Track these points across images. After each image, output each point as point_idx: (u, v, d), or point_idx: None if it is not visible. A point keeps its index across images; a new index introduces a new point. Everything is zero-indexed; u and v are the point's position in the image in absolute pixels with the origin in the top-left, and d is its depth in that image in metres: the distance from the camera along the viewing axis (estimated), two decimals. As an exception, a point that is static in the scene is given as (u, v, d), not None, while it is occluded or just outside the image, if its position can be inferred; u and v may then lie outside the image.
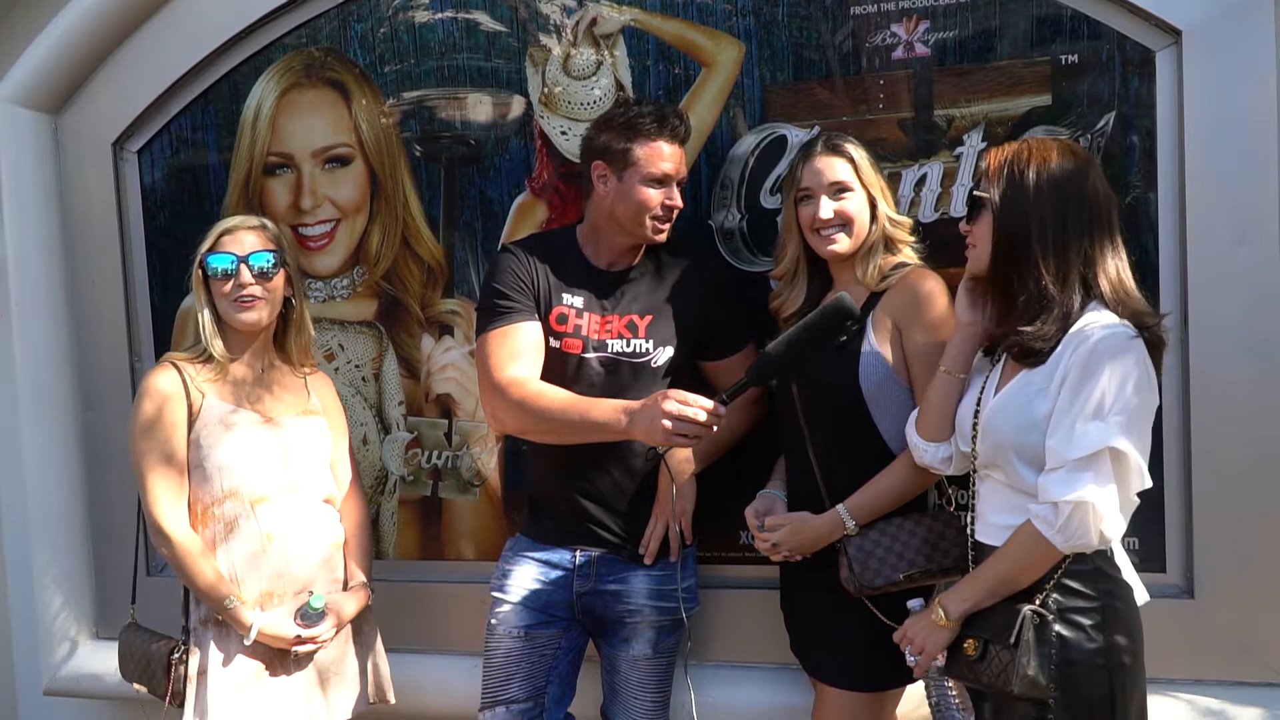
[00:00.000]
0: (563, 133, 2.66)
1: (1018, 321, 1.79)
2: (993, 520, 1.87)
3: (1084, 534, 1.71)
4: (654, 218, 2.25)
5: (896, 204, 2.32)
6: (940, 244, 2.30)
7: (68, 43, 2.93)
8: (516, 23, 2.68)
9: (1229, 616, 2.31)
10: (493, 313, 2.29)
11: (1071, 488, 1.69)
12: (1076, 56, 2.34)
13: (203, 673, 2.25)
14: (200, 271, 2.29)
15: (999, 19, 2.38)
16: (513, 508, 2.76)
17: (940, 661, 1.89)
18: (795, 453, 2.23)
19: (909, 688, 2.24)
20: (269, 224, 2.38)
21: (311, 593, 2.28)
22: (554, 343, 2.30)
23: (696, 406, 1.99)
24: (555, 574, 2.34)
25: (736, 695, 2.57)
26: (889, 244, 2.20)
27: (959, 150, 2.41)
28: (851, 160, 2.17)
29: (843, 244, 2.17)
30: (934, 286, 2.12)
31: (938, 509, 2.19)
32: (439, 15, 2.74)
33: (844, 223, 2.16)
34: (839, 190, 2.16)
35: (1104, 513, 1.70)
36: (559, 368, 2.30)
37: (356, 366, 2.86)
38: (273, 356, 2.39)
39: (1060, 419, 1.73)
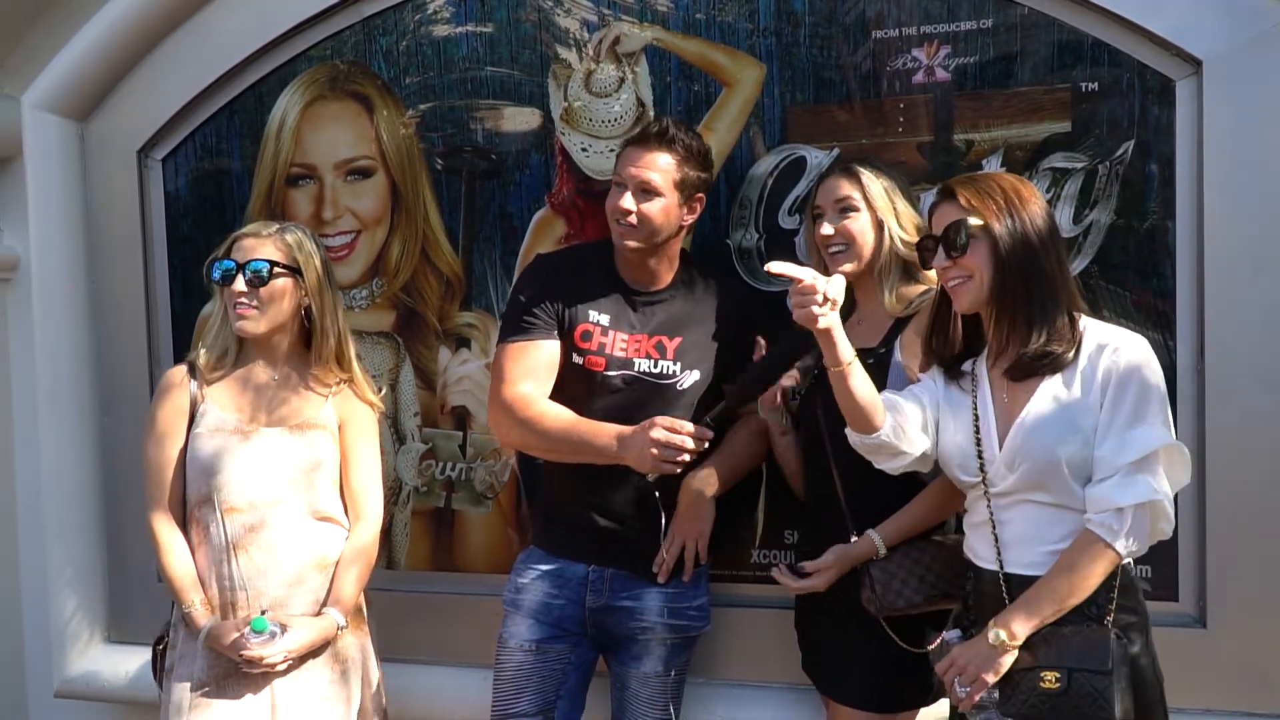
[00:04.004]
0: (583, 149, 2.68)
1: (1039, 337, 1.81)
2: (1031, 549, 1.84)
3: (1145, 537, 1.75)
4: (615, 220, 2.26)
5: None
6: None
7: (95, 51, 2.96)
8: (539, 38, 2.70)
9: (1241, 647, 2.30)
10: (514, 325, 2.32)
11: (1133, 491, 1.73)
12: (1097, 84, 2.35)
13: (171, 669, 2.28)
14: (208, 276, 2.30)
15: (1019, 45, 2.39)
16: (526, 520, 2.77)
17: (992, 696, 1.82)
18: (817, 471, 2.22)
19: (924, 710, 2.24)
20: (294, 231, 2.31)
21: (265, 611, 2.21)
22: (576, 359, 2.31)
23: (684, 434, 2.05)
24: (568, 588, 2.34)
25: (745, 714, 2.57)
26: (909, 270, 2.19)
27: (978, 175, 2.42)
28: (859, 182, 2.18)
29: (846, 264, 2.18)
30: None
31: (958, 531, 2.18)
32: (462, 29, 2.76)
33: (846, 241, 2.18)
34: (844, 209, 2.18)
35: (1161, 512, 1.75)
36: (581, 384, 2.30)
37: (373, 377, 2.87)
38: (294, 366, 2.34)
39: (1106, 428, 1.77)
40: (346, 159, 2.86)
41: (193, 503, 2.29)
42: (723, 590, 2.57)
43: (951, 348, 1.97)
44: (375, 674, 2.41)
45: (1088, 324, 1.85)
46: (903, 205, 2.20)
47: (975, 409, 1.91)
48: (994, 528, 1.89)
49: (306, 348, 2.36)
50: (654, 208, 2.23)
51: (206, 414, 2.28)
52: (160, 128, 2.98)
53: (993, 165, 2.40)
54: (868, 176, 2.18)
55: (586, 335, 2.31)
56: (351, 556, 2.33)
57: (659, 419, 2.09)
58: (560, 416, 2.24)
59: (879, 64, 2.47)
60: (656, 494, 2.25)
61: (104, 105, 3.03)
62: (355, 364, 2.40)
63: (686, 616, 2.35)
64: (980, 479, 1.89)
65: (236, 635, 2.17)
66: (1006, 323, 1.85)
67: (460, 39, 2.76)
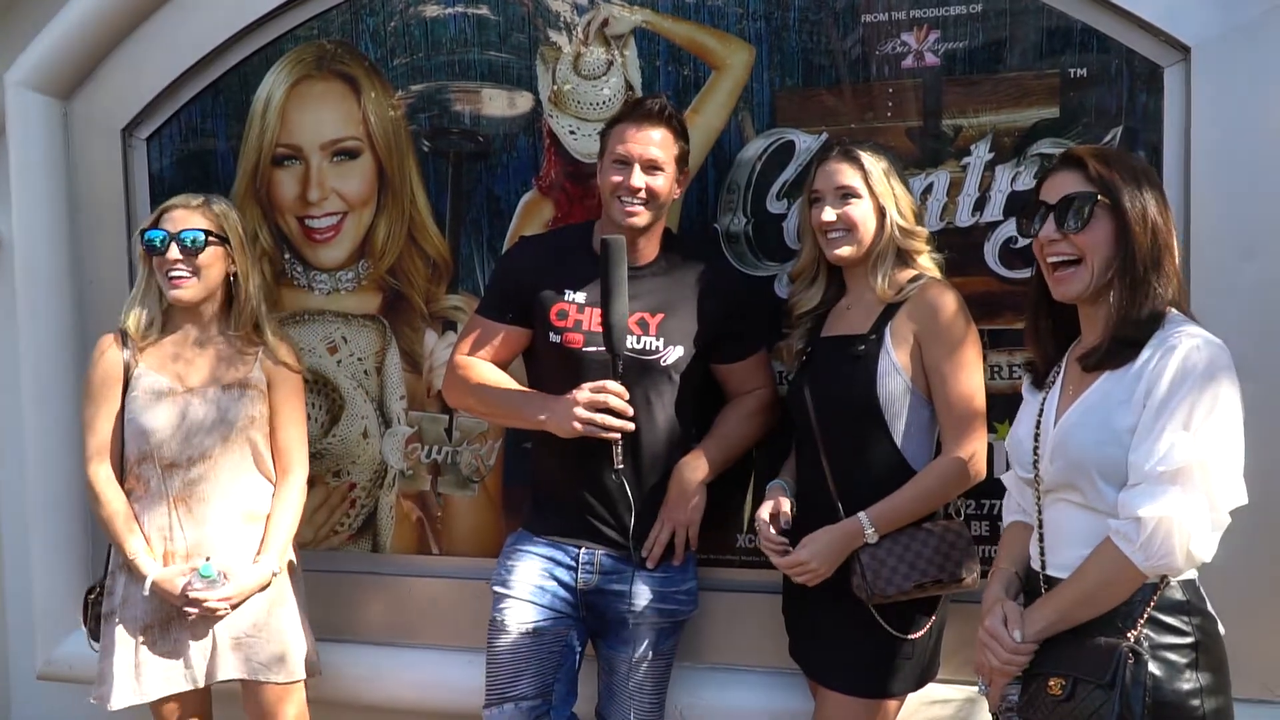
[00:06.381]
0: (571, 132, 2.67)
1: (1129, 329, 1.69)
2: (1067, 551, 1.75)
3: (1167, 553, 1.60)
4: (618, 199, 2.27)
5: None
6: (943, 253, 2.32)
7: (80, 28, 2.93)
8: (528, 20, 2.68)
9: (1225, 633, 2.30)
10: (485, 300, 2.47)
11: (1154, 501, 1.60)
12: (1085, 70, 2.35)
13: (111, 613, 2.45)
14: (141, 245, 2.45)
15: (1009, 31, 2.38)
16: (512, 504, 2.76)
17: (1013, 698, 1.79)
18: (807, 456, 2.23)
19: (910, 695, 2.25)
20: (218, 203, 2.50)
21: (209, 559, 2.37)
22: (554, 338, 2.31)
23: (610, 392, 2.13)
24: (560, 570, 2.34)
25: (731, 698, 2.57)
26: (902, 255, 2.19)
27: (965, 160, 2.41)
28: (862, 167, 2.17)
29: (846, 249, 2.18)
30: (949, 300, 2.13)
31: (947, 519, 2.18)
32: (450, 10, 2.74)
33: (848, 227, 2.17)
34: (845, 195, 2.17)
35: (1190, 530, 1.60)
36: (561, 363, 2.30)
37: (359, 359, 2.87)
38: (219, 328, 2.49)
39: (1145, 431, 1.63)
40: (333, 139, 2.84)
41: (131, 460, 2.45)
42: (711, 574, 2.57)
43: (1046, 354, 1.85)
44: (304, 622, 2.55)
45: (1172, 321, 1.69)
46: (900, 189, 2.20)
47: (1044, 402, 1.83)
48: (1040, 527, 1.82)
49: (230, 313, 2.51)
50: (659, 182, 2.27)
51: (141, 378, 2.44)
52: (145, 106, 2.95)
53: (981, 151, 2.40)
54: (869, 161, 2.18)
55: (562, 314, 2.31)
56: (283, 508, 2.52)
57: (586, 384, 2.17)
58: (497, 381, 2.34)
59: (868, 48, 2.47)
60: (625, 483, 2.25)
61: (88, 83, 3.00)
62: (268, 329, 2.53)
63: (675, 601, 2.36)
64: (1033, 474, 1.81)
65: (184, 581, 2.35)
66: (1105, 315, 1.73)
67: (448, 20, 2.74)
